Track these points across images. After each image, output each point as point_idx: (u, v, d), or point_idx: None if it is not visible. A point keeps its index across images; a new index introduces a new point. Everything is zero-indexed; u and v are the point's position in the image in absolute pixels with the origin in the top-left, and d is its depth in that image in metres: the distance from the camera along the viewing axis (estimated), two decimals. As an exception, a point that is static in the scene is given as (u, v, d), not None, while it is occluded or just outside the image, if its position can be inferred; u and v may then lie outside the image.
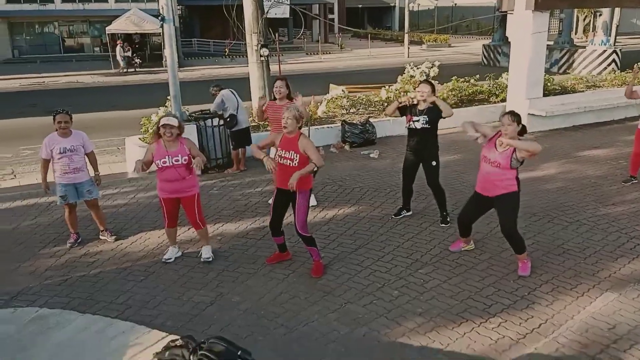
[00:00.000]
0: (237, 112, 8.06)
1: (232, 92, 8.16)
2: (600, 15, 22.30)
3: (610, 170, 7.80)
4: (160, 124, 4.99)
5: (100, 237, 5.89)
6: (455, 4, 45.25)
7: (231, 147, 8.35)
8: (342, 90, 11.31)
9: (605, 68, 20.67)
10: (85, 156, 5.64)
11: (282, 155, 4.73)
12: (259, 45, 10.81)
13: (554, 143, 9.55)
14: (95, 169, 5.77)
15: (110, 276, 5.05)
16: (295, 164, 4.66)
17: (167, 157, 4.96)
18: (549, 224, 5.98)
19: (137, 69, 27.26)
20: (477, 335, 4.02)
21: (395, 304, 4.45)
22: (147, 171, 5.16)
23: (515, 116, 4.61)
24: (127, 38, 30.21)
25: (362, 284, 4.79)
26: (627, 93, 7.30)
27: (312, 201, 6.57)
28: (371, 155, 9.00)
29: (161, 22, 7.98)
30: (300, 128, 4.82)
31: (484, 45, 27.48)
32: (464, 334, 4.04)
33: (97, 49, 34.16)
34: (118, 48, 27.33)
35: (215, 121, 8.20)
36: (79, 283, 4.94)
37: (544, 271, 4.92)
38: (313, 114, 10.58)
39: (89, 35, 34.50)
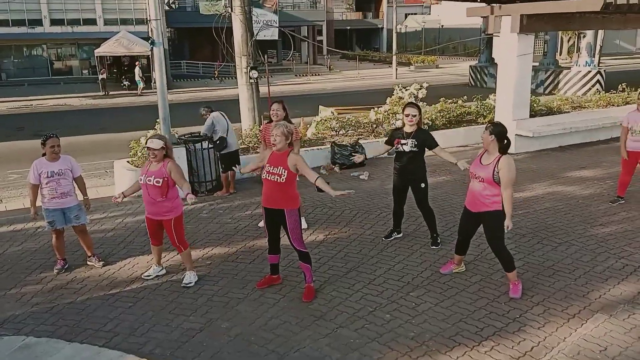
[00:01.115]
0: (227, 135, 8.07)
1: (222, 115, 8.18)
2: (584, 36, 22.76)
3: (597, 190, 7.87)
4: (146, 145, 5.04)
5: (88, 262, 5.81)
6: (442, 26, 45.97)
7: (220, 170, 8.32)
8: (332, 112, 11.38)
9: (590, 89, 21.04)
10: (74, 181, 5.60)
11: (270, 171, 4.71)
12: (249, 68, 10.90)
13: (541, 164, 9.65)
14: (84, 193, 5.73)
15: (97, 303, 4.97)
16: (282, 179, 4.66)
17: (144, 175, 4.99)
18: (538, 245, 6.01)
19: (141, 93, 26.90)
20: (469, 359, 3.99)
21: (387, 328, 4.42)
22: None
23: (495, 127, 4.67)
24: (116, 61, 30.30)
25: (353, 308, 4.75)
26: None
27: (303, 224, 6.57)
28: (361, 177, 9.03)
29: (151, 46, 8.02)
30: (290, 145, 4.82)
31: (470, 66, 27.89)
32: (457, 358, 4.01)
33: (85, 71, 34.15)
34: (137, 69, 27.27)
35: (205, 144, 8.19)
36: (66, 310, 4.86)
37: (534, 293, 4.92)
38: (302, 136, 10.62)
39: (77, 57, 34.51)
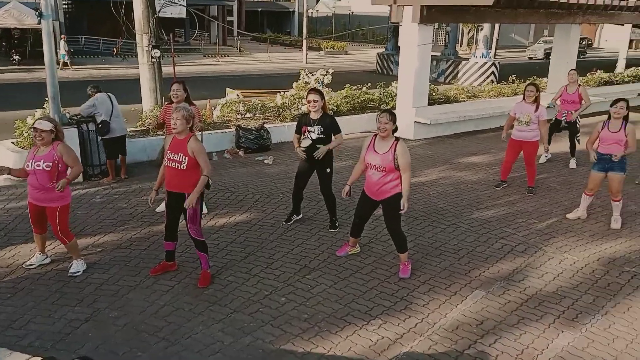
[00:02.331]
0: (110, 119, 7.61)
1: (109, 96, 7.69)
2: (481, 29, 24.06)
3: (485, 175, 8.42)
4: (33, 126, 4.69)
5: (-37, 251, 5.36)
6: (352, 12, 46.62)
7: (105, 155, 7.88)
8: (237, 95, 11.22)
9: (485, 79, 22.32)
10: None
11: (171, 157, 4.60)
12: (150, 46, 10.44)
13: (437, 150, 10.16)
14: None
15: (-28, 295, 4.61)
16: (183, 167, 4.55)
17: (31, 161, 4.67)
18: (429, 227, 6.34)
19: (73, 68, 24.76)
20: (358, 338, 4.15)
21: (282, 311, 4.48)
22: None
23: (392, 114, 4.87)
24: (6, 33, 27.81)
25: (249, 292, 4.77)
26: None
27: (203, 209, 6.46)
28: (265, 162, 9.01)
29: (38, 18, 7.44)
30: (191, 129, 4.71)
31: (378, 54, 28.56)
32: (346, 337, 4.16)
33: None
34: (62, 43, 24.82)
35: (93, 125, 7.71)
36: None
37: (422, 272, 5.20)
38: (207, 119, 10.40)
39: (-40, 27, 31.24)
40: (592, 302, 4.71)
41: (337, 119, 6.39)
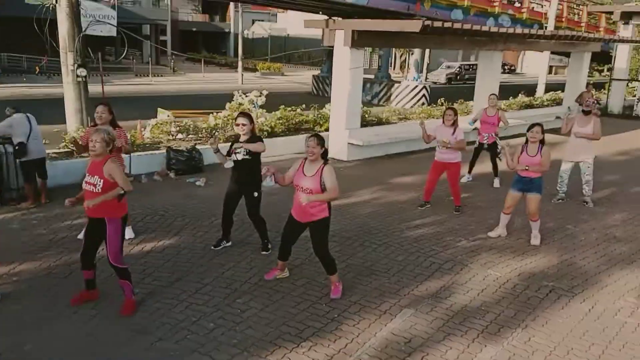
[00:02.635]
0: (27, 140, 7.21)
1: (28, 117, 7.31)
2: (412, 54, 24.94)
3: (415, 195, 8.64)
4: None
5: None
6: (288, 35, 47.12)
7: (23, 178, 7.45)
8: (168, 116, 11.00)
9: (417, 102, 23.10)
10: None
11: (88, 180, 4.43)
12: (76, 65, 10.11)
13: (369, 171, 10.36)
14: None
15: None
16: (98, 189, 4.38)
17: None
18: (360, 247, 6.42)
19: None
20: (288, 362, 4.11)
21: (210, 337, 4.37)
22: None
23: (320, 137, 4.90)
24: None
25: (176, 319, 4.63)
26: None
27: (129, 233, 6.26)
28: (197, 183, 8.85)
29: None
30: (111, 152, 4.55)
31: (313, 75, 28.95)
32: (276, 361, 4.11)
33: None
34: None
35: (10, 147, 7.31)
36: None
37: (353, 293, 5.24)
38: (136, 140, 10.13)
39: None
40: (513, 317, 4.90)
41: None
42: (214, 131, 10.77)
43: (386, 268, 5.85)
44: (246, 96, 11.64)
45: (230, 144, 6.11)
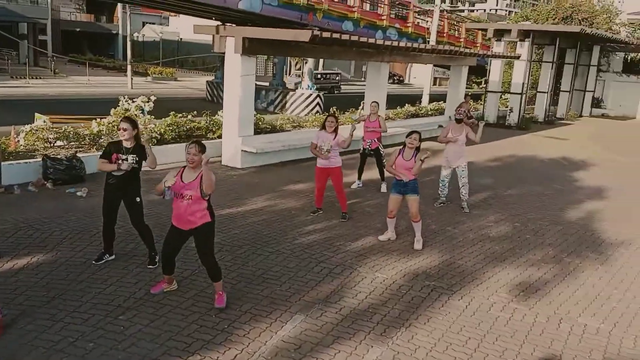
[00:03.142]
0: None
1: None
2: (306, 62, 25.35)
3: (307, 202, 8.75)
4: None
5: None
6: (181, 39, 45.90)
7: None
8: (44, 121, 10.23)
9: (312, 110, 23.51)
10: None
11: None
12: None
13: (263, 178, 10.35)
14: None
15: None
16: None
17: None
18: (253, 255, 6.37)
19: None
20: (174, 378, 3.97)
21: (89, 358, 4.11)
22: None
23: (202, 145, 4.83)
24: None
25: (51, 341, 4.29)
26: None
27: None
28: (78, 194, 8.31)
29: None
30: None
31: (207, 81, 28.44)
32: (162, 378, 3.95)
33: None
34: None
35: None
36: None
37: (244, 302, 5.18)
38: (8, 147, 9.31)
39: None
40: (398, 316, 5.12)
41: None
42: (98, 139, 10.18)
43: (278, 275, 5.86)
44: (133, 101, 11.14)
45: (106, 147, 5.82)
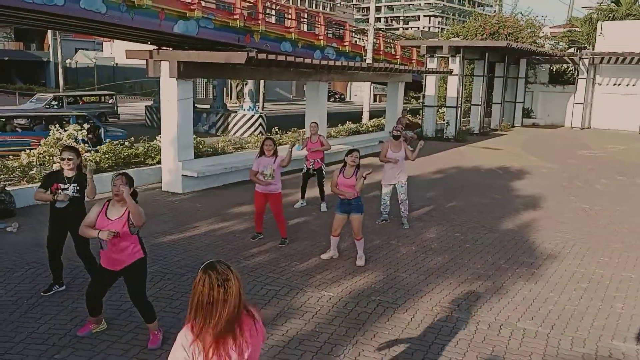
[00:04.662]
0: None
1: None
2: (246, 84, 25.31)
3: (251, 224, 8.61)
4: None
5: None
6: (117, 64, 44.86)
7: None
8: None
9: (254, 131, 23.43)
10: None
11: None
12: None
13: (206, 202, 10.19)
14: None
15: None
16: None
17: None
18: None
19: None
20: (115, 417, 3.80)
21: (21, 404, 3.88)
22: None
23: (128, 176, 4.64)
24: None
25: (-21, 389, 4.03)
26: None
27: None
28: (8, 229, 7.90)
29: None
30: None
31: (146, 106, 27.83)
32: (101, 418, 3.77)
33: None
34: None
35: None
36: None
37: (187, 331, 5.04)
38: None
39: None
40: (345, 334, 5.13)
41: (97, 176, 6.08)
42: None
43: (222, 301, 5.74)
44: (65, 130, 10.76)
45: (46, 177, 5.67)
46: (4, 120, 14.42)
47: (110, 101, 26.64)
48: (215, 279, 2.52)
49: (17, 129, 14.63)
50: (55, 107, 22.98)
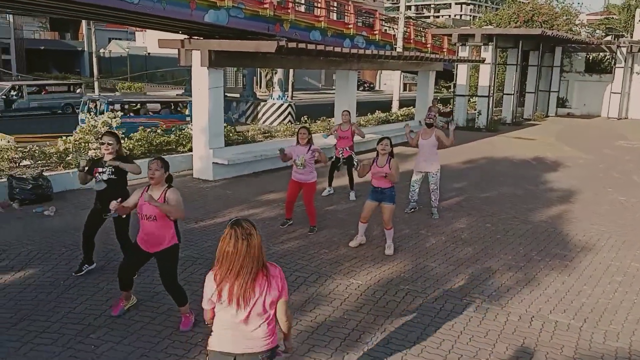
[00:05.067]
0: None
1: None
2: (276, 73, 25.39)
3: (280, 212, 8.70)
4: None
5: None
6: (149, 53, 45.48)
7: None
8: (8, 141, 10.03)
9: (283, 120, 23.52)
10: None
11: None
12: None
13: (236, 189, 10.29)
14: None
15: None
16: None
17: None
18: (226, 268, 6.31)
19: None
20: (148, 395, 3.91)
21: (59, 380, 4.02)
22: None
23: (164, 161, 4.76)
24: None
25: (19, 365, 4.19)
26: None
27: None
28: (45, 213, 8.14)
29: None
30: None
31: (177, 95, 28.24)
32: (135, 396, 3.88)
33: None
34: None
35: None
36: None
37: (218, 315, 5.12)
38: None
39: None
40: (373, 322, 5.13)
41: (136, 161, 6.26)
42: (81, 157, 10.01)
43: (252, 286, 5.82)
44: (100, 118, 10.99)
45: (90, 164, 5.82)
46: (138, 105, 17.36)
47: (78, 91, 24.98)
48: (240, 234, 2.88)
49: (150, 112, 17.28)
50: (13, 97, 22.65)
